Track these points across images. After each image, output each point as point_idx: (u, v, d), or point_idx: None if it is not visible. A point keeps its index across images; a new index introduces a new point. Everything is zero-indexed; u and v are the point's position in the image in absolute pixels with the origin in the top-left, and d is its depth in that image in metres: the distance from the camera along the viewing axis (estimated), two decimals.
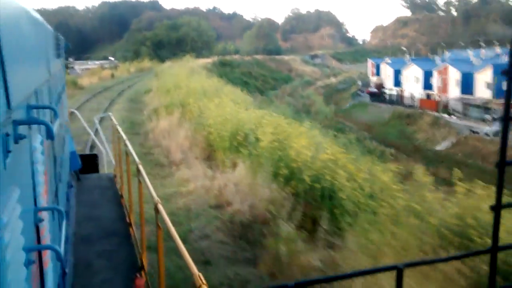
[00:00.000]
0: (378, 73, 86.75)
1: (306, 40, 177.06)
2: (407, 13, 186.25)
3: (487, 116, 46.59)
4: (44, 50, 3.83)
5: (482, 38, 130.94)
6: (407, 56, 73.46)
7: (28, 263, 1.79)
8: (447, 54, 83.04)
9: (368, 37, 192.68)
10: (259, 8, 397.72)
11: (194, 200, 11.00)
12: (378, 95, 72.91)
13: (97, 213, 7.78)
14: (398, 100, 66.74)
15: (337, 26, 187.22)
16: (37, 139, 2.73)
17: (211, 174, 12.98)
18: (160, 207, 4.24)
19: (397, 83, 67.80)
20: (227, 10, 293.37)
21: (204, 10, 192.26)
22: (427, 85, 60.98)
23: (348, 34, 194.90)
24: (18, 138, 1.85)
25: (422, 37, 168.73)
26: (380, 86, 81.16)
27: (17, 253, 1.60)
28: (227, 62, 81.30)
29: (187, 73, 42.33)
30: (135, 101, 33.90)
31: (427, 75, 60.71)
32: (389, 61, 75.19)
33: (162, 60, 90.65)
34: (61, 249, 3.53)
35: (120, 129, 8.17)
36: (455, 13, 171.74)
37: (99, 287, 5.39)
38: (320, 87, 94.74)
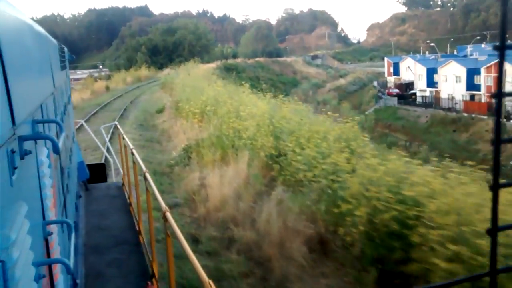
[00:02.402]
0: (396, 73, 77.42)
1: (302, 40, 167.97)
2: (402, 9, 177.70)
3: None
4: (48, 63, 3.73)
5: (488, 32, 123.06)
6: (438, 54, 63.92)
7: (38, 278, 1.76)
8: (469, 48, 74.04)
9: (362, 36, 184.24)
10: (250, 9, 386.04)
11: None
12: (404, 97, 63.42)
13: (106, 222, 7.53)
14: (432, 102, 57.26)
15: (333, 25, 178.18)
16: (44, 152, 2.61)
17: None
18: (169, 215, 4.11)
19: (430, 83, 58.24)
20: (217, 13, 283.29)
21: (195, 14, 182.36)
22: (471, 85, 51.57)
23: (343, 33, 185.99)
24: (24, 154, 1.83)
25: (421, 33, 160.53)
26: (401, 87, 71.93)
27: (27, 268, 1.56)
28: (232, 67, 71.60)
29: (201, 80, 32.45)
30: (146, 127, 23.82)
31: (471, 74, 51.29)
32: (418, 58, 65.51)
33: (159, 67, 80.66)
34: (71, 262, 3.24)
35: (126, 137, 8.02)
36: (452, 9, 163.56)
37: None
38: (331, 90, 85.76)
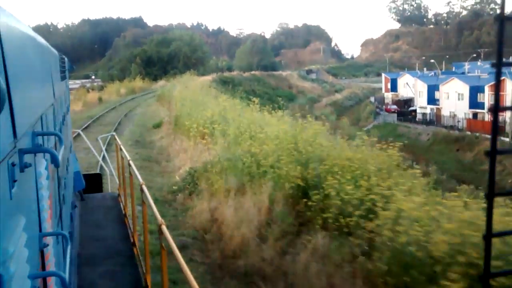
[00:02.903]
0: (394, 89, 76.11)
1: (296, 55, 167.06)
2: (396, 25, 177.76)
3: None
4: (49, 74, 3.75)
5: (482, 50, 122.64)
6: (438, 71, 62.62)
7: None
8: (467, 66, 72.94)
9: (356, 51, 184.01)
10: (244, 23, 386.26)
11: None
12: (403, 113, 61.92)
13: (101, 233, 7.48)
14: (434, 120, 55.74)
15: (327, 40, 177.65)
16: (42, 164, 2.60)
17: None
18: (164, 228, 4.15)
19: (431, 100, 56.74)
20: (211, 26, 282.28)
21: (189, 26, 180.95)
22: (474, 103, 50.09)
23: (337, 48, 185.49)
24: (23, 166, 1.81)
25: (414, 50, 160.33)
26: (400, 103, 70.55)
27: (23, 281, 1.56)
28: (228, 80, 69.68)
29: (199, 93, 30.47)
30: (143, 143, 21.75)
31: (474, 91, 49.84)
32: (418, 74, 64.12)
33: (153, 78, 78.60)
34: (66, 274, 3.16)
35: (123, 148, 8.07)
36: (445, 26, 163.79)
37: None
38: (327, 104, 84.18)
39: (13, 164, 1.61)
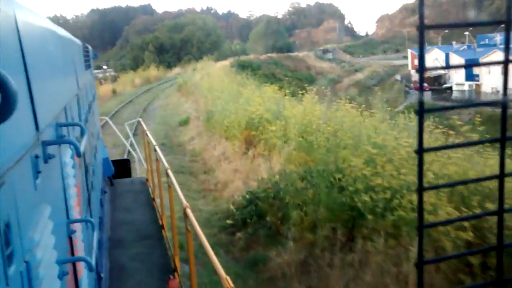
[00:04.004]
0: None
1: (310, 35, 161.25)
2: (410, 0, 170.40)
3: None
4: (72, 65, 3.76)
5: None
6: (474, 44, 57.30)
7: (62, 275, 1.77)
8: (498, 36, 67.34)
9: (370, 28, 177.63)
10: (253, 5, 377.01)
11: None
12: (437, 91, 57.04)
13: (130, 217, 7.57)
14: (473, 97, 50.85)
15: (340, 18, 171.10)
16: (67, 154, 2.62)
17: None
18: (189, 211, 4.15)
19: (469, 76, 51.74)
20: (221, 9, 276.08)
21: (199, 11, 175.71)
22: None
23: (350, 26, 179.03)
24: (47, 158, 1.82)
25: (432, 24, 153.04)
26: (429, 80, 65.51)
27: (51, 267, 1.59)
28: (246, 64, 65.09)
29: (225, 81, 26.22)
30: (170, 147, 17.61)
31: None
32: (454, 47, 58.93)
33: (167, 66, 74.28)
34: (93, 259, 3.32)
35: (149, 134, 8.05)
36: None
37: None
38: (350, 85, 79.49)
39: (36, 156, 1.60)
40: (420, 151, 0.82)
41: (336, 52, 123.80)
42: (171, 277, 5.14)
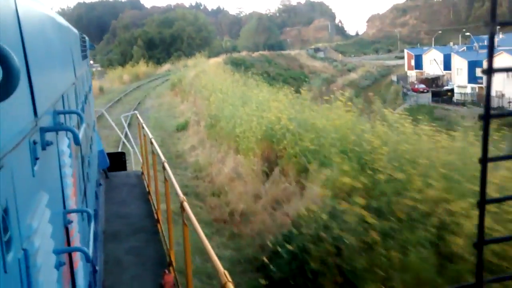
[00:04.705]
0: (418, 66, 68.87)
1: (300, 33, 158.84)
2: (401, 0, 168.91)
3: None
4: (69, 54, 3.72)
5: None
6: (475, 45, 55.22)
7: (58, 265, 1.76)
8: (501, 35, 65.54)
9: (360, 28, 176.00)
10: (243, 2, 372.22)
11: None
12: (438, 94, 54.83)
13: (125, 210, 7.48)
14: (476, 100, 48.75)
15: (331, 17, 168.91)
16: (65, 142, 2.60)
17: None
18: (186, 205, 4.02)
19: (473, 78, 49.61)
20: (210, 6, 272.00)
21: (188, 7, 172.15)
22: None
23: (341, 25, 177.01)
24: (45, 144, 1.81)
25: (423, 25, 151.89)
26: (427, 82, 63.49)
27: (48, 256, 1.58)
28: (239, 61, 62.24)
29: (224, 80, 23.43)
30: (169, 159, 14.67)
31: None
32: (455, 49, 56.80)
33: (156, 62, 71.02)
34: (90, 250, 3.28)
35: (145, 126, 7.89)
36: None
37: (129, 283, 5.19)
38: (344, 85, 77.11)
39: (34, 142, 1.59)
40: (484, 160, 0.77)
41: (327, 51, 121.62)
42: (166, 271, 5.04)
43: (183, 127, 18.56)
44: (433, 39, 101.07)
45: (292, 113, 12.79)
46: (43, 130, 1.80)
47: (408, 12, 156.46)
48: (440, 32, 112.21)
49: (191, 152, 15.34)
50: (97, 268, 4.27)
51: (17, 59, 1.10)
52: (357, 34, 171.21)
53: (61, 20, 3.58)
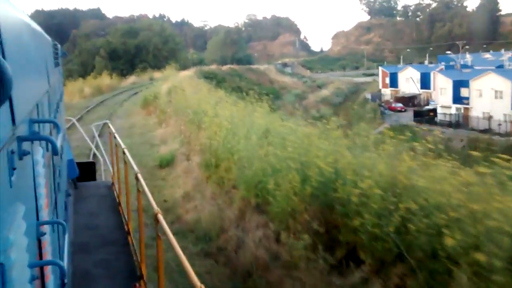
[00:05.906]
0: (394, 84, 66.52)
1: (266, 48, 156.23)
2: (367, 17, 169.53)
3: None
4: (44, 61, 3.60)
5: (461, 42, 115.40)
6: (458, 64, 52.95)
7: (32, 279, 1.67)
8: (468, 56, 64.21)
9: (325, 44, 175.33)
10: (207, 15, 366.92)
11: None
12: (420, 114, 52.14)
13: (95, 221, 7.14)
14: (461, 122, 46.21)
15: (296, 32, 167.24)
16: (39, 152, 2.49)
17: None
18: (160, 216, 3.88)
19: (457, 98, 47.11)
20: (174, 18, 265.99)
21: (151, 18, 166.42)
22: None
23: (306, 41, 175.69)
24: (22, 154, 1.77)
25: (386, 43, 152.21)
26: (404, 100, 61.12)
27: (23, 270, 1.52)
28: (210, 75, 57.79)
29: (208, 97, 19.07)
30: (151, 214, 10.21)
31: None
32: (439, 67, 54.38)
33: (121, 73, 65.54)
34: (65, 263, 3.21)
35: (117, 136, 7.52)
36: (417, 18, 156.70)
37: None
38: (316, 102, 73.99)
39: (12, 152, 1.55)
40: None
41: (294, 67, 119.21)
42: (137, 285, 4.90)
43: (167, 163, 13.98)
44: (401, 57, 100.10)
45: (343, 154, 8.56)
46: (20, 139, 1.74)
47: (373, 30, 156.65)
48: (408, 50, 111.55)
49: (185, 203, 10.80)
50: (65, 281, 3.53)
51: (10, 69, 1.07)
52: (321, 51, 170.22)
53: (37, 27, 3.51)
